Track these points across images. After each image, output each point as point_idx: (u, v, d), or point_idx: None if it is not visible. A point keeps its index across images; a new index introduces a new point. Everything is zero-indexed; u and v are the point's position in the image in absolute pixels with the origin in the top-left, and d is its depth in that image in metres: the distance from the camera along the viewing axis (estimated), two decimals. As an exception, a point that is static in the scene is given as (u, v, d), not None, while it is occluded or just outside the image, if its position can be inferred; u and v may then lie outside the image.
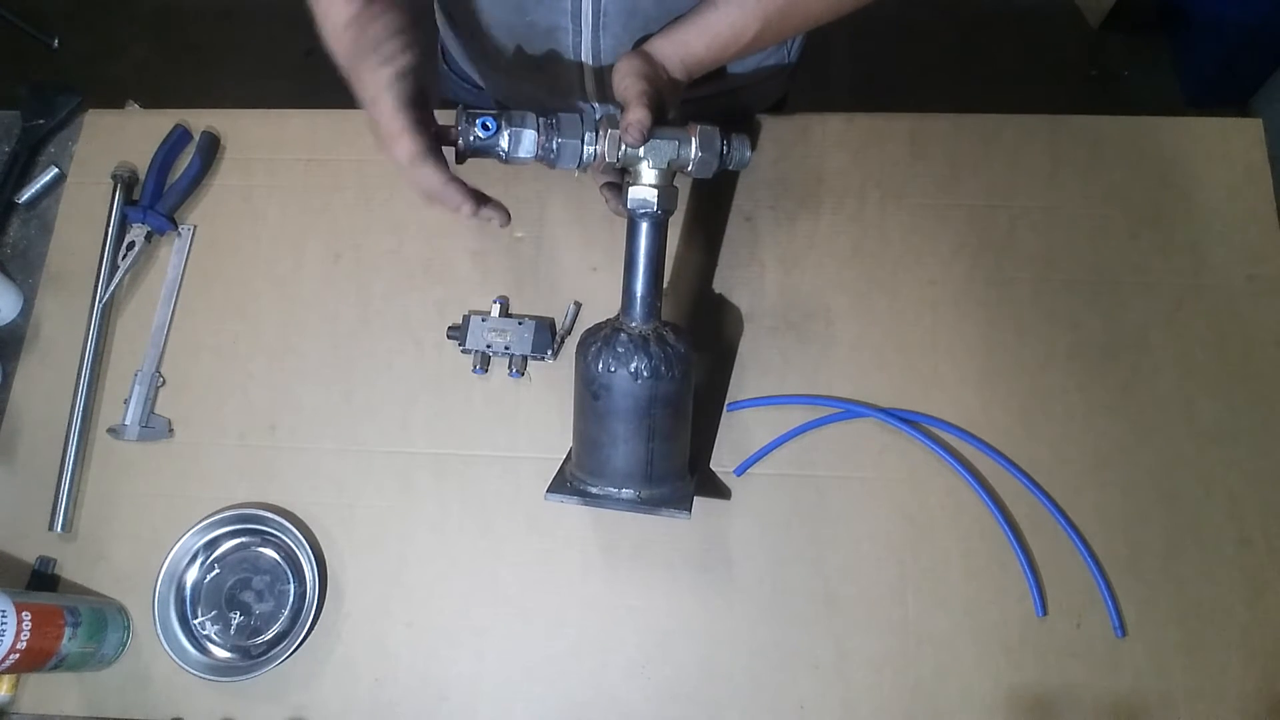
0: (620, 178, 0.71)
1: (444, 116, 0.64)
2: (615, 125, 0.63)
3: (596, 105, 0.86)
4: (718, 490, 0.79)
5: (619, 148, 0.63)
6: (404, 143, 0.58)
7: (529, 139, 0.62)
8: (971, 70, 2.04)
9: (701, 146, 0.64)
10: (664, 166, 0.64)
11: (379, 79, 0.59)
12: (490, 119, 0.61)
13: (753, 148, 0.67)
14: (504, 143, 0.62)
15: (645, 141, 0.62)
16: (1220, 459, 0.78)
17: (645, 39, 0.70)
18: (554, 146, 0.62)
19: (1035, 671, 0.74)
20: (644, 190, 0.64)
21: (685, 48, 0.67)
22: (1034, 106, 0.90)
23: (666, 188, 0.65)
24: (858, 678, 0.74)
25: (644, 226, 0.66)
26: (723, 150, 0.65)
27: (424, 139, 0.59)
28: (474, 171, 0.87)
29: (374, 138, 0.60)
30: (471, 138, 0.61)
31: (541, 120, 0.63)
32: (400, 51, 0.59)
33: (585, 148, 0.63)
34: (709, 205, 0.88)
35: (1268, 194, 0.86)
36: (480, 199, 0.63)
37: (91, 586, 0.80)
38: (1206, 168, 0.87)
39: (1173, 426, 0.79)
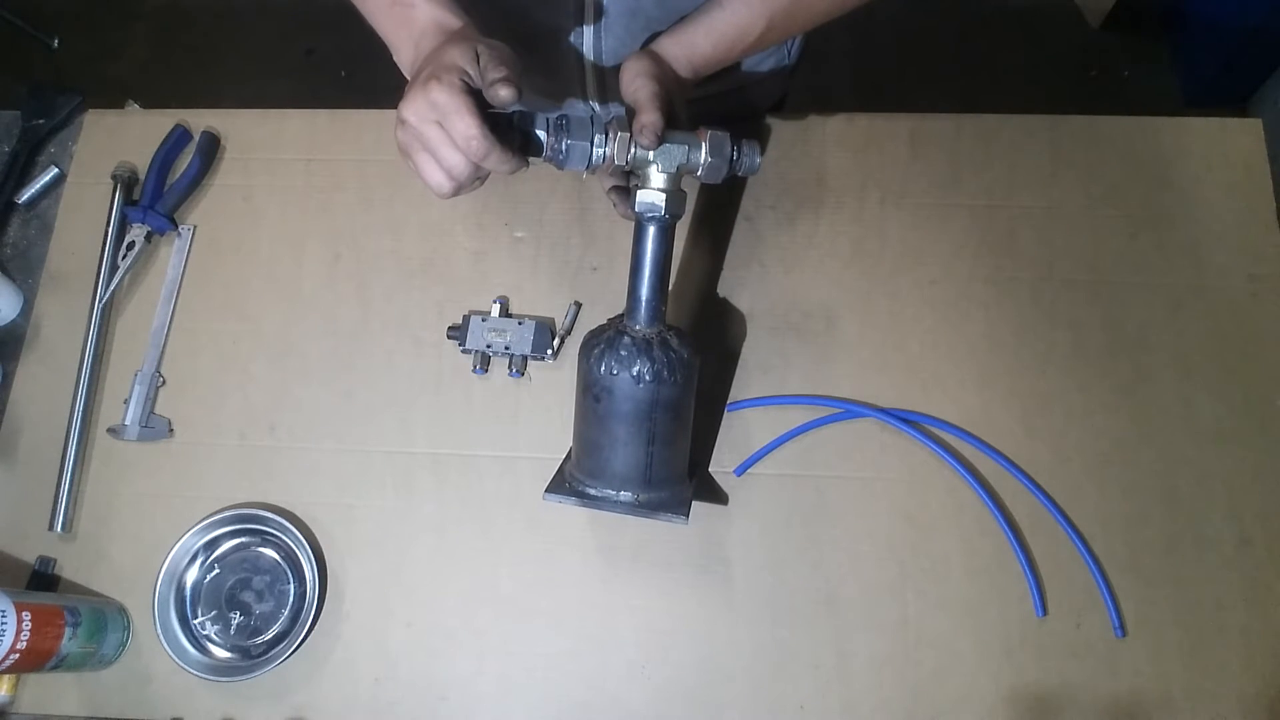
0: (627, 180, 0.71)
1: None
2: (624, 128, 0.62)
3: (597, 106, 0.86)
4: (717, 494, 0.79)
5: (628, 150, 0.62)
6: (469, 120, 0.57)
7: (537, 138, 0.62)
8: (971, 70, 2.03)
9: (711, 152, 0.64)
10: (673, 171, 0.64)
11: (454, 58, 0.58)
12: (497, 119, 0.61)
13: (762, 152, 0.66)
14: (513, 144, 0.61)
15: (660, 144, 0.62)
16: (1220, 459, 0.78)
17: (650, 39, 0.70)
18: (563, 148, 0.62)
19: (1035, 671, 0.74)
20: (652, 194, 0.64)
21: (692, 47, 0.67)
22: (1034, 106, 0.90)
23: (675, 192, 0.65)
24: (858, 678, 0.74)
25: (651, 230, 0.66)
26: (732, 156, 0.65)
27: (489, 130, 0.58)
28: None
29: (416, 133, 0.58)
30: None
31: (551, 121, 0.62)
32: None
33: (594, 150, 0.63)
34: (713, 208, 0.88)
35: (1268, 194, 0.86)
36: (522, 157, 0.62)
37: (91, 586, 0.80)
38: (1206, 168, 0.87)
39: (1173, 426, 0.79)
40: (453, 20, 0.64)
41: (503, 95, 0.58)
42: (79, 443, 0.83)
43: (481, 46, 0.59)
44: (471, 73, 0.58)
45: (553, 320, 0.85)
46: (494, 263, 0.88)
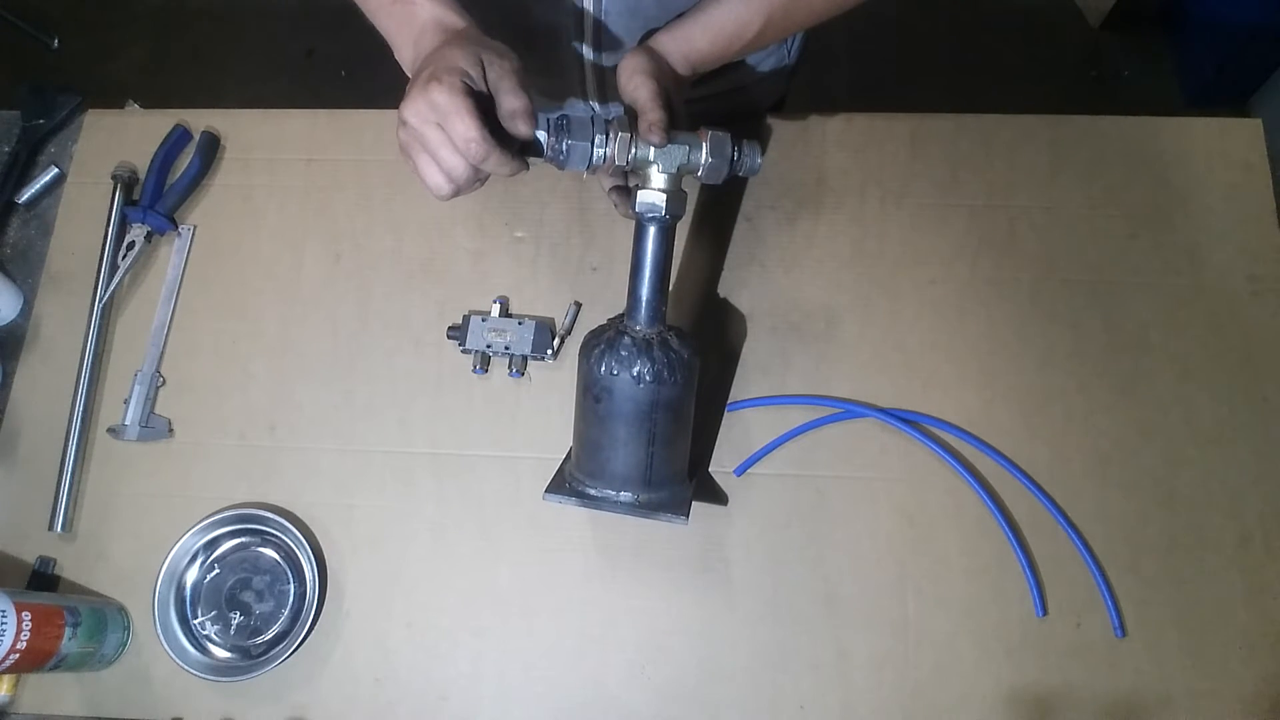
0: (627, 180, 0.71)
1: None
2: (625, 128, 0.62)
3: (597, 105, 0.86)
4: (717, 494, 0.79)
5: (629, 151, 0.62)
6: (468, 121, 0.56)
7: (538, 140, 0.62)
8: (971, 70, 2.04)
9: (712, 152, 0.63)
10: (673, 171, 0.64)
11: (456, 59, 0.58)
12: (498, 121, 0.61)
13: (763, 153, 0.66)
14: (513, 146, 0.61)
15: (669, 141, 0.62)
16: (1220, 459, 0.78)
17: (649, 35, 0.70)
18: (564, 148, 0.62)
19: (1035, 671, 0.74)
20: (653, 195, 0.64)
21: (689, 43, 0.67)
22: (1034, 106, 0.90)
23: (675, 192, 0.64)
24: (858, 678, 0.74)
25: (652, 231, 0.66)
26: (733, 156, 0.65)
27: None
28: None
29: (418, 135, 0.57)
30: None
31: (551, 121, 0.62)
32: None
33: (595, 150, 0.62)
34: (714, 208, 0.88)
35: (1268, 194, 0.86)
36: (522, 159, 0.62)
37: (91, 586, 0.80)
38: (1206, 168, 0.87)
39: (1173, 426, 0.79)
40: (455, 19, 0.64)
41: (521, 130, 0.58)
42: (79, 443, 0.83)
43: (488, 54, 0.59)
44: (474, 74, 0.58)
45: (553, 320, 0.85)
46: (494, 263, 0.88)
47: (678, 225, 0.67)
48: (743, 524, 0.79)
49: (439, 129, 0.57)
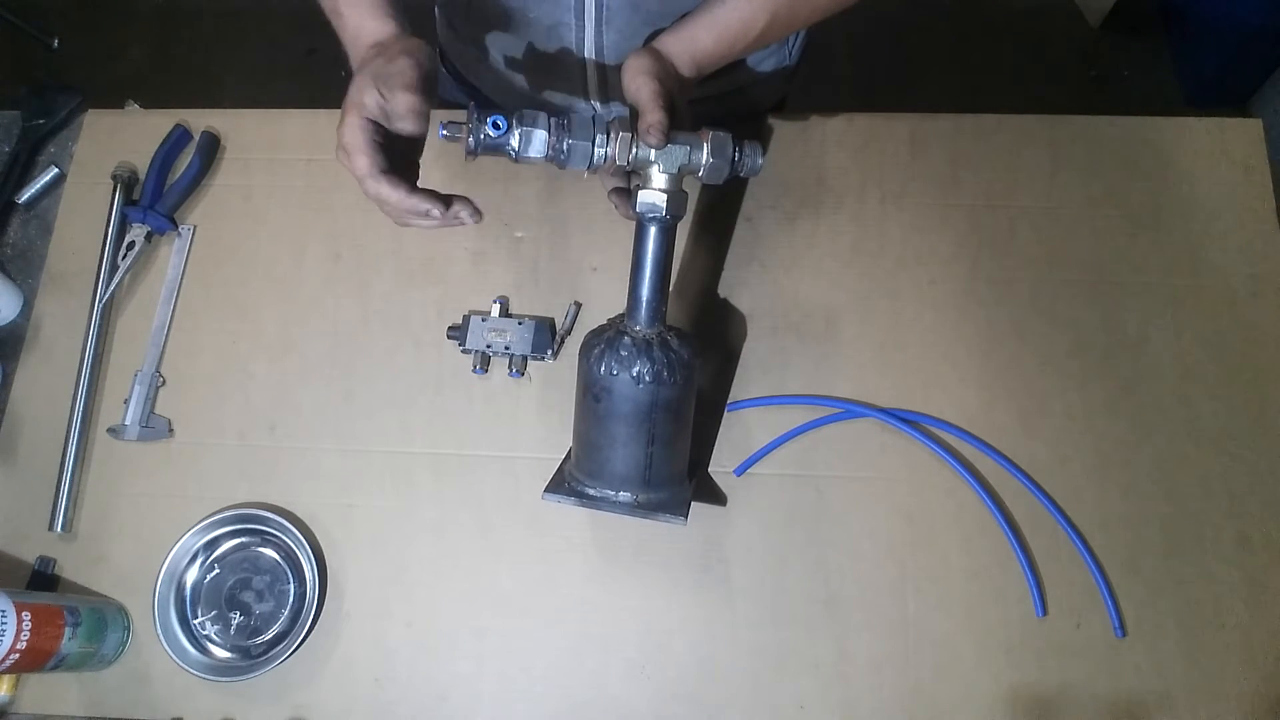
0: (628, 181, 0.71)
1: (452, 114, 0.64)
2: (626, 128, 0.62)
3: (598, 105, 0.86)
4: (717, 494, 0.79)
5: (630, 150, 0.62)
6: (360, 160, 0.59)
7: (539, 139, 0.62)
8: (971, 70, 2.04)
9: (713, 153, 0.63)
10: (674, 171, 0.64)
11: (358, 93, 0.60)
12: (501, 118, 0.61)
13: (764, 153, 0.66)
14: (514, 142, 0.61)
15: (667, 144, 0.62)
16: (1220, 459, 0.78)
17: (652, 36, 0.70)
18: (564, 148, 0.62)
19: (1035, 671, 0.74)
20: (653, 195, 0.64)
21: (694, 44, 0.67)
22: (1034, 106, 0.90)
23: (676, 192, 0.64)
24: (858, 678, 0.74)
25: (652, 231, 0.66)
26: (734, 157, 0.65)
27: (380, 158, 0.59)
28: (473, 168, 0.87)
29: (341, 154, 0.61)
30: (482, 136, 0.61)
31: (553, 121, 0.62)
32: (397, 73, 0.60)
33: (596, 150, 0.62)
34: (714, 208, 0.88)
35: (1268, 194, 0.86)
36: (445, 200, 0.63)
37: (91, 586, 0.80)
38: (1206, 168, 0.87)
39: (1173, 426, 0.79)
40: (373, 28, 0.64)
41: (408, 129, 0.60)
42: (79, 443, 0.83)
43: (382, 78, 0.59)
44: (371, 104, 0.59)
45: (553, 320, 0.85)
46: (494, 263, 0.88)
47: (678, 225, 0.67)
48: (743, 524, 0.79)
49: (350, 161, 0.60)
